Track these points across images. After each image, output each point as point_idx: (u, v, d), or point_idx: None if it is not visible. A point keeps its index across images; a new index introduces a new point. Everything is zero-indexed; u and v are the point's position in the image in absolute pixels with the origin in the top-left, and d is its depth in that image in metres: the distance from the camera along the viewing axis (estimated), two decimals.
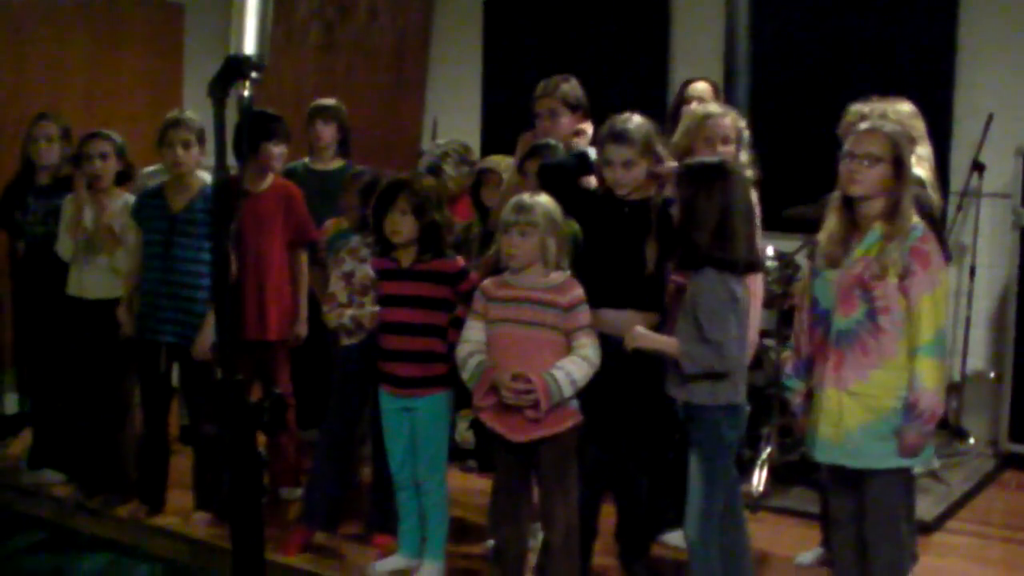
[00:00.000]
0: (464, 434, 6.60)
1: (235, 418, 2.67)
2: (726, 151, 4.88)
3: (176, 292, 5.52)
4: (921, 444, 4.04)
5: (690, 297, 4.19)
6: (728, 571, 4.37)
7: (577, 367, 4.40)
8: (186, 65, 8.47)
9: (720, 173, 4.25)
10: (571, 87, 5.45)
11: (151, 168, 6.42)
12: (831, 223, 4.23)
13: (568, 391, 4.40)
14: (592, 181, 4.94)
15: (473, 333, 4.56)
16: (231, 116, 2.95)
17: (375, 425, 5.18)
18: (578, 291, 4.47)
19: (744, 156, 5.08)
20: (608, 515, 4.99)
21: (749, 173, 5.10)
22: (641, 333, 4.31)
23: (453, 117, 9.10)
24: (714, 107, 5.23)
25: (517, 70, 8.62)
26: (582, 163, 4.95)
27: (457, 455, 6.26)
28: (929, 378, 3.96)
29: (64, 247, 5.94)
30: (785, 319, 6.23)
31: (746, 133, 5.11)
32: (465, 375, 4.55)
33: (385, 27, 9.22)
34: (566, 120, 5.37)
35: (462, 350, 4.56)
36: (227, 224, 2.81)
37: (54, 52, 7.80)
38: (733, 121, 5.07)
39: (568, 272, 4.51)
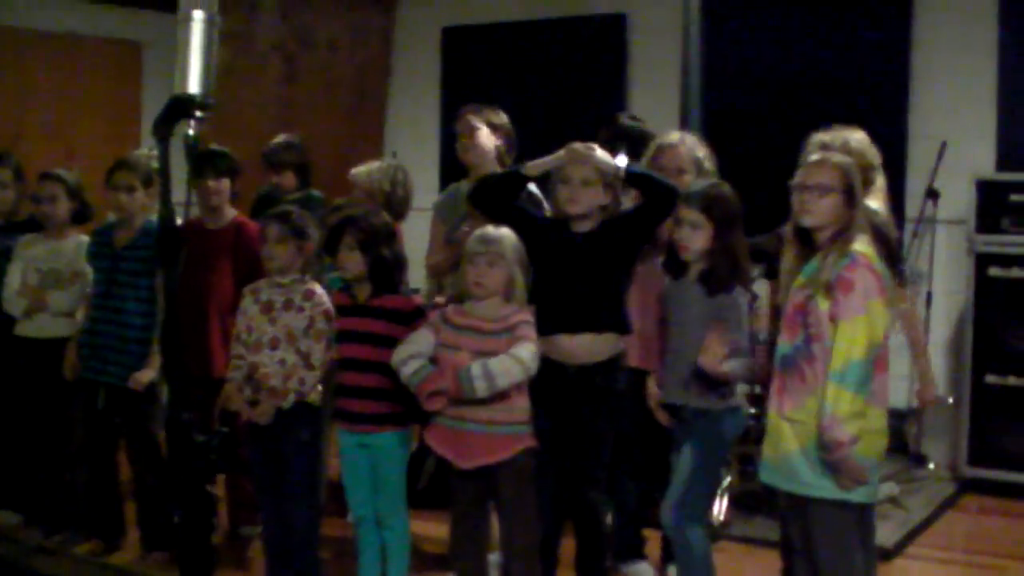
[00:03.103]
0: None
1: (182, 457, 2.66)
2: (682, 181, 4.93)
3: (115, 331, 5.49)
4: (847, 473, 3.95)
5: (706, 317, 4.42)
6: None
7: (499, 362, 4.38)
8: (144, 97, 8.48)
9: (734, 199, 4.56)
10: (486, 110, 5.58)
11: None
12: (788, 257, 4.28)
13: (480, 383, 4.35)
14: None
15: (421, 339, 4.56)
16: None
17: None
18: (522, 316, 4.50)
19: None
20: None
21: None
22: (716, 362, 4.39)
23: (412, 149, 9.10)
24: (672, 136, 5.27)
25: (476, 102, 8.63)
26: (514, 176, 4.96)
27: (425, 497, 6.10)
28: (832, 406, 3.89)
29: (11, 306, 5.83)
30: None
31: (706, 163, 5.15)
32: (405, 373, 4.51)
33: (345, 60, 9.26)
34: (485, 133, 5.47)
35: (403, 351, 4.53)
36: (174, 262, 2.79)
37: (16, 83, 7.82)
38: (688, 151, 5.12)
39: (523, 311, 4.54)
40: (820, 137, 4.91)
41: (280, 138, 6.66)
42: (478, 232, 4.61)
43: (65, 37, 8.15)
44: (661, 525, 4.63)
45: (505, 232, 4.56)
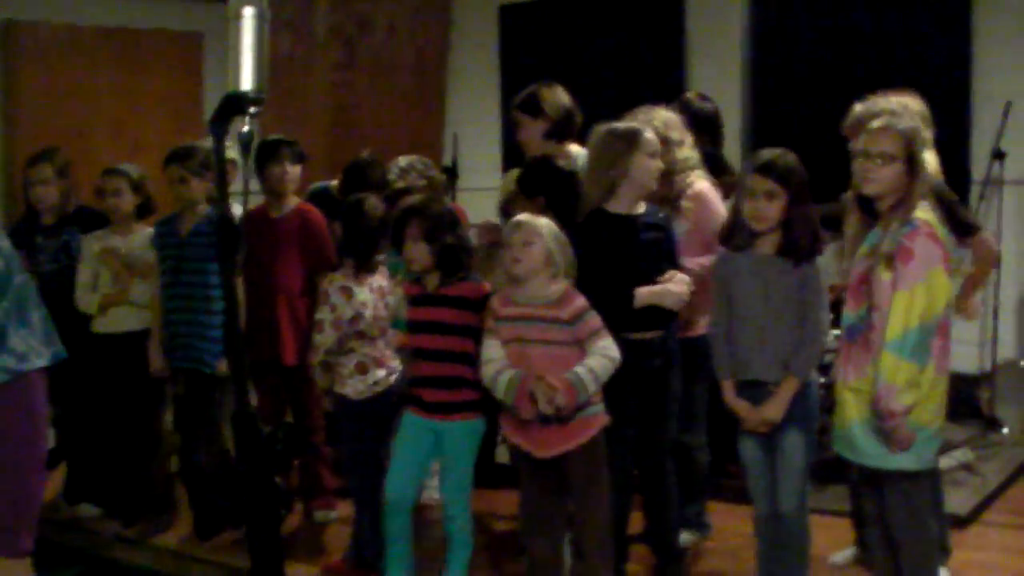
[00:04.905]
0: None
1: (248, 448, 2.69)
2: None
3: (188, 317, 5.57)
4: (897, 441, 3.96)
5: (793, 289, 4.30)
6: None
7: (598, 363, 4.40)
8: (206, 89, 8.56)
9: (802, 166, 4.37)
10: (528, 93, 5.55)
11: None
12: (851, 224, 4.26)
13: (592, 387, 4.40)
14: None
15: (493, 351, 4.54)
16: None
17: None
18: (579, 301, 4.46)
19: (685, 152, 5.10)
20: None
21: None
22: (774, 412, 4.36)
23: (473, 131, 9.11)
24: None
25: (535, 80, 8.61)
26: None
27: (498, 476, 6.04)
28: (887, 375, 3.89)
29: (85, 303, 5.92)
30: None
31: (673, 134, 5.07)
32: (499, 394, 4.52)
33: (404, 43, 9.27)
34: (531, 128, 5.49)
35: (488, 370, 4.53)
36: (232, 255, 2.83)
37: (82, 79, 7.93)
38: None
39: (567, 282, 4.51)
40: (868, 107, 4.85)
41: None
42: (511, 220, 4.64)
43: (125, 32, 8.25)
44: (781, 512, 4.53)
45: (539, 219, 4.55)
